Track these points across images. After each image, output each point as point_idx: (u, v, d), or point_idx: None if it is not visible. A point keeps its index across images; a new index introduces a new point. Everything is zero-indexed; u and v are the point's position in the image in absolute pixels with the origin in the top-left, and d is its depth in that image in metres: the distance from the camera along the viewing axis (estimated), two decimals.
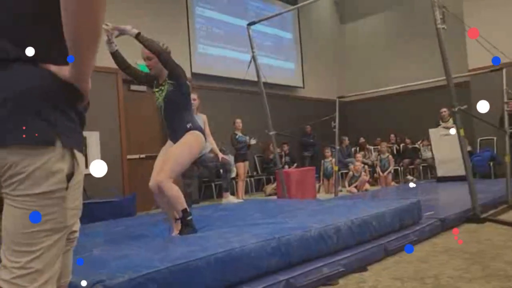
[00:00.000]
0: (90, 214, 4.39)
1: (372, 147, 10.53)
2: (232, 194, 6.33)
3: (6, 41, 0.96)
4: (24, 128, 0.93)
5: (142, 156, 7.20)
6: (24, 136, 0.93)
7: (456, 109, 4.15)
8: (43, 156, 0.95)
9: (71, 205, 1.01)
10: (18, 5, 0.98)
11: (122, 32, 2.90)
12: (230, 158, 6.61)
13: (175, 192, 2.87)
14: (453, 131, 7.10)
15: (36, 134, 0.94)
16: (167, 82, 3.00)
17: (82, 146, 1.04)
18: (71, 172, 0.99)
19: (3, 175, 0.95)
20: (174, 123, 3.02)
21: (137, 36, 2.85)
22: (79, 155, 1.03)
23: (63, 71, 0.99)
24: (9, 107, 0.92)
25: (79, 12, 0.90)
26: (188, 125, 2.97)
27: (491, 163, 7.93)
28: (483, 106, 4.23)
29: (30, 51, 0.95)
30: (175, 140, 3.02)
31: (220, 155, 5.46)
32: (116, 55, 3.06)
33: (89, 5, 0.90)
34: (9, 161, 0.93)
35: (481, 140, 8.77)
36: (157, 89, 3.08)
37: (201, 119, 5.31)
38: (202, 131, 3.05)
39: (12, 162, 0.93)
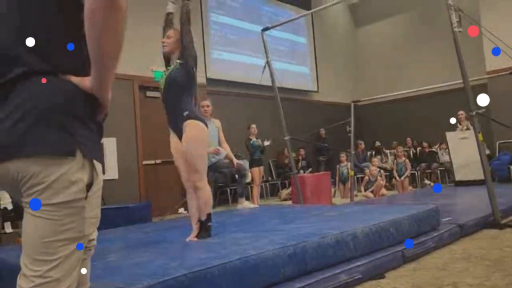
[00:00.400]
0: (104, 219, 4.43)
1: (388, 151, 10.41)
2: (247, 199, 6.32)
3: (27, 53, 0.98)
4: (45, 139, 0.95)
5: (158, 161, 7.25)
6: (45, 147, 0.94)
7: (474, 112, 4.08)
8: (64, 166, 0.96)
9: (90, 214, 1.02)
10: (38, 17, 1.00)
11: None
12: (245, 163, 6.60)
13: (209, 193, 2.97)
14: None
15: (57, 145, 0.95)
16: (176, 62, 2.97)
17: (101, 156, 1.05)
18: (90, 182, 1.01)
19: (24, 185, 0.96)
20: (173, 106, 2.96)
21: None
22: (98, 165, 1.04)
23: (84, 82, 1.00)
24: (31, 118, 0.94)
25: (103, 28, 0.92)
26: (185, 113, 2.90)
27: (511, 167, 7.78)
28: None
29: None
30: (175, 127, 2.97)
31: (235, 161, 5.46)
32: (168, 15, 3.15)
33: (113, 21, 0.92)
34: (30, 171, 0.94)
35: (500, 143, 8.61)
36: (164, 69, 3.06)
37: (214, 124, 5.32)
38: (201, 119, 2.99)
39: (33, 172, 0.94)
